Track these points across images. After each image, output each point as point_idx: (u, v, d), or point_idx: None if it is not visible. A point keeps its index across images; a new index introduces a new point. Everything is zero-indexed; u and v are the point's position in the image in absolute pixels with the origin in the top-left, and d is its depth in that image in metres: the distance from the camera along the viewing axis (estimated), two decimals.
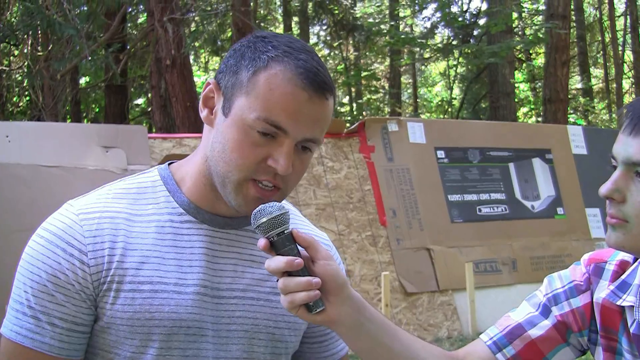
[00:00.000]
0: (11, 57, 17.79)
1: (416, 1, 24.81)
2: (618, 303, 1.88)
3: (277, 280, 1.73)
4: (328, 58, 28.86)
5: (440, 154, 10.35)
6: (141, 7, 18.15)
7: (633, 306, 1.85)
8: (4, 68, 16.73)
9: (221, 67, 1.88)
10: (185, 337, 1.85)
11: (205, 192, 1.92)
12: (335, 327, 1.83)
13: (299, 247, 1.76)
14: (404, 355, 1.91)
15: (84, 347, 1.87)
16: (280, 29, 29.16)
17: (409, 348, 1.93)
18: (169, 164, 2.04)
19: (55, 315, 1.80)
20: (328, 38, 26.50)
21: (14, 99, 18.58)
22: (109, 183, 2.00)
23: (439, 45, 24.74)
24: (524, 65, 28.16)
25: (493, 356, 2.07)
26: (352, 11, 24.43)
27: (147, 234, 1.88)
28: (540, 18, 24.40)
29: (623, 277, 1.92)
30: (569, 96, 23.21)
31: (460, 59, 25.24)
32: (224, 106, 1.84)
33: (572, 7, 22.23)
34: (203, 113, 1.89)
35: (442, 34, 26.44)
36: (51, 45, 14.73)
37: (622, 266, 1.96)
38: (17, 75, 17.76)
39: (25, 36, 14.81)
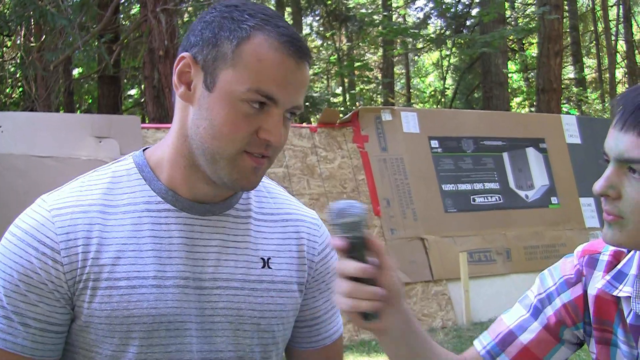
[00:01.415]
0: (4, 48, 17.77)
1: None
2: (614, 293, 1.86)
3: (336, 282, 1.67)
4: (321, 49, 28.88)
5: (434, 143, 10.35)
6: None
7: (630, 297, 1.83)
8: None
9: (192, 40, 1.80)
10: (166, 332, 1.80)
11: (185, 175, 1.84)
12: (381, 337, 1.81)
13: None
14: None
15: (60, 347, 1.82)
16: None
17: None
18: (144, 150, 1.96)
19: (28, 316, 1.75)
20: (321, 29, 26.54)
21: (7, 90, 18.53)
22: (83, 174, 1.93)
23: (432, 35, 24.77)
24: (517, 55, 28.19)
25: None
26: (345, 2, 24.45)
27: (123, 227, 1.81)
28: (533, 9, 24.42)
29: (619, 266, 1.90)
30: (562, 86, 23.21)
31: (453, 49, 25.27)
32: (205, 81, 1.75)
33: None
34: (180, 90, 1.79)
35: (435, 24, 26.48)
36: (44, 36, 14.71)
37: (617, 256, 1.93)
38: (10, 67, 17.75)
39: (18, 27, 14.80)
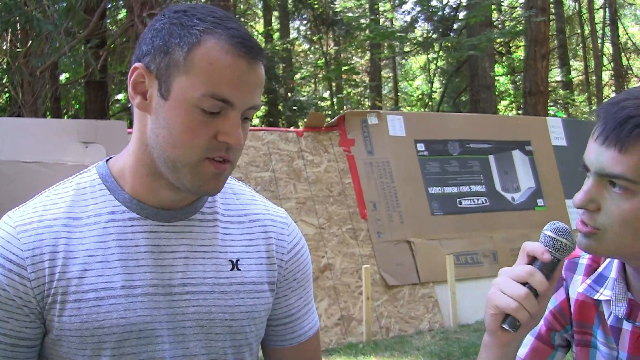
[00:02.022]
0: None
1: None
2: (595, 297, 1.89)
3: (508, 281, 1.72)
4: (309, 53, 28.87)
5: (420, 146, 10.36)
6: (121, 2, 18.06)
7: (610, 300, 1.86)
8: None
9: (144, 49, 1.79)
10: (137, 341, 1.80)
11: (148, 183, 1.84)
12: (498, 346, 1.82)
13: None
14: None
15: None
16: (260, 24, 29.18)
17: None
18: (107, 160, 1.96)
19: None
20: (308, 33, 26.50)
21: None
22: (47, 188, 1.93)
23: (419, 39, 24.78)
24: (504, 58, 28.24)
25: None
26: (332, 5, 24.43)
27: (89, 238, 1.81)
28: (519, 11, 24.47)
29: (599, 270, 1.93)
30: (549, 89, 23.29)
31: (440, 53, 25.29)
32: (160, 89, 1.75)
33: (551, 0, 22.31)
34: (135, 100, 1.79)
35: (422, 28, 26.49)
36: (30, 42, 14.65)
37: (596, 259, 1.96)
38: None
39: (4, 32, 14.73)
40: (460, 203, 10.45)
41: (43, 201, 1.86)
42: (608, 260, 1.93)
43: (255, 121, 24.89)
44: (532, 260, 1.74)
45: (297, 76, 26.73)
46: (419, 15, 24.15)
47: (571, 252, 1.72)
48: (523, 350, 2.05)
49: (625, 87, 29.38)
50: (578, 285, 1.95)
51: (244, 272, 1.93)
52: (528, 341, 2.05)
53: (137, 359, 1.80)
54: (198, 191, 1.80)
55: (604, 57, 31.51)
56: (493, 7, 22.87)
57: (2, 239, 1.77)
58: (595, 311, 1.93)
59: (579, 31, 32.61)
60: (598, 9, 32.10)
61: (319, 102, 25.96)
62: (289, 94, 23.84)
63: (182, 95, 1.71)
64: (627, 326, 1.84)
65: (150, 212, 1.86)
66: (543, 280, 1.69)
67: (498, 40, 23.66)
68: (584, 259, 1.99)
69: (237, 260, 1.94)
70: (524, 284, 1.70)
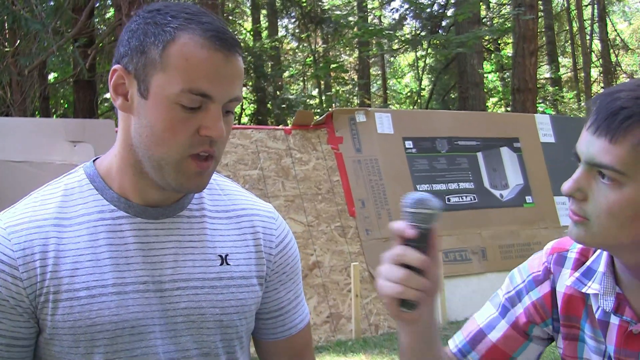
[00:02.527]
0: None
1: None
2: (583, 290, 1.89)
3: (385, 266, 1.71)
4: (297, 50, 28.84)
5: (409, 144, 10.36)
6: (109, 1, 18.03)
7: (598, 293, 1.86)
8: None
9: (122, 50, 1.80)
10: (130, 337, 1.82)
11: (134, 182, 1.86)
12: (408, 327, 1.86)
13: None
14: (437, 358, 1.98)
15: None
16: (248, 22, 29.13)
17: (440, 352, 1.99)
18: (94, 160, 1.98)
19: None
20: (296, 31, 26.47)
21: None
22: (36, 189, 1.95)
23: (408, 36, 24.78)
24: (493, 55, 28.26)
25: None
26: (320, 3, 24.38)
27: (79, 237, 1.83)
28: (508, 9, 24.49)
29: (588, 263, 1.93)
30: (538, 86, 23.31)
31: (429, 50, 25.29)
32: (140, 89, 1.76)
33: None
34: (117, 101, 1.81)
35: (411, 25, 26.50)
36: (18, 41, 14.63)
37: (584, 253, 1.96)
38: None
39: None
40: (449, 200, 10.45)
41: (32, 202, 1.88)
42: (597, 254, 1.93)
43: (244, 119, 24.89)
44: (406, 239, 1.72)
45: (286, 74, 26.68)
46: (407, 12, 24.18)
47: (436, 216, 1.71)
48: (496, 335, 2.05)
49: (613, 83, 29.41)
50: (566, 279, 1.95)
51: (234, 266, 1.95)
52: (502, 327, 2.05)
53: (130, 355, 1.82)
54: (182, 189, 1.81)
55: (592, 53, 31.60)
56: (481, 4, 22.86)
57: None
58: (583, 305, 1.93)
59: (568, 28, 32.67)
60: (586, 6, 32.14)
61: (307, 100, 25.89)
62: (278, 92, 23.79)
63: (160, 94, 1.73)
64: (614, 320, 1.84)
65: (139, 210, 1.88)
66: (417, 256, 1.67)
67: (486, 37, 23.68)
68: (573, 253, 1.99)
69: (227, 255, 1.96)
70: (404, 265, 1.69)
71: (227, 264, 1.96)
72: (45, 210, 1.85)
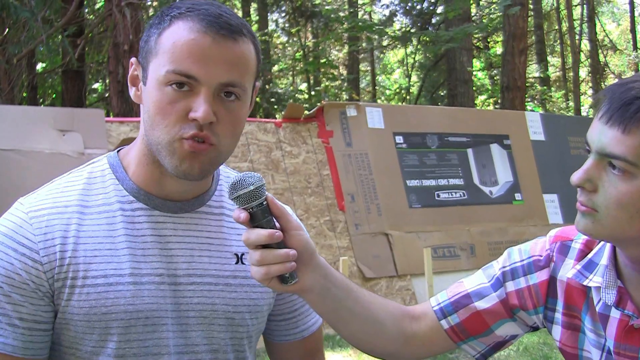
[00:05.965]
0: None
1: None
2: (585, 283, 1.88)
3: (249, 253, 1.71)
4: (287, 45, 28.84)
5: (399, 139, 10.35)
6: None
7: (599, 287, 1.85)
8: None
9: (140, 44, 1.86)
10: (143, 328, 1.84)
11: (151, 172, 1.89)
12: (304, 295, 1.84)
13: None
14: (364, 315, 1.96)
15: (47, 345, 1.86)
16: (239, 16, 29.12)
17: (369, 308, 1.97)
18: (118, 151, 2.01)
19: (15, 316, 1.78)
20: (287, 25, 26.47)
21: None
22: (60, 176, 1.97)
23: (397, 32, 24.79)
24: (482, 53, 28.32)
25: (438, 322, 2.09)
26: None
27: (98, 226, 1.86)
28: (497, 6, 24.55)
29: (590, 255, 1.92)
30: (527, 84, 23.38)
31: (419, 47, 25.32)
32: (143, 76, 1.82)
33: None
34: (132, 92, 1.87)
35: (401, 22, 26.51)
36: (7, 29, 14.57)
37: (589, 245, 1.96)
38: None
39: None
40: (438, 196, 10.45)
41: (55, 189, 1.92)
42: (599, 246, 1.92)
43: None
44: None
45: (275, 68, 26.74)
46: (398, 9, 24.19)
47: (260, 189, 1.71)
48: (482, 305, 2.06)
49: (602, 83, 29.62)
50: (569, 270, 1.95)
51: (249, 266, 1.92)
52: (491, 299, 2.05)
53: (142, 346, 1.86)
54: (178, 172, 1.80)
55: (581, 53, 31.68)
56: (471, 1, 22.90)
57: (15, 224, 1.82)
58: (584, 297, 1.92)
59: (557, 27, 32.74)
60: (576, 6, 32.25)
61: (296, 95, 25.93)
62: (267, 86, 23.80)
63: (153, 77, 1.77)
64: (615, 314, 1.84)
65: (157, 203, 1.91)
66: (261, 233, 1.67)
67: (476, 35, 23.71)
68: (577, 244, 1.98)
69: (242, 254, 1.99)
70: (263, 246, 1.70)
71: (243, 263, 1.98)
72: (67, 196, 1.89)
